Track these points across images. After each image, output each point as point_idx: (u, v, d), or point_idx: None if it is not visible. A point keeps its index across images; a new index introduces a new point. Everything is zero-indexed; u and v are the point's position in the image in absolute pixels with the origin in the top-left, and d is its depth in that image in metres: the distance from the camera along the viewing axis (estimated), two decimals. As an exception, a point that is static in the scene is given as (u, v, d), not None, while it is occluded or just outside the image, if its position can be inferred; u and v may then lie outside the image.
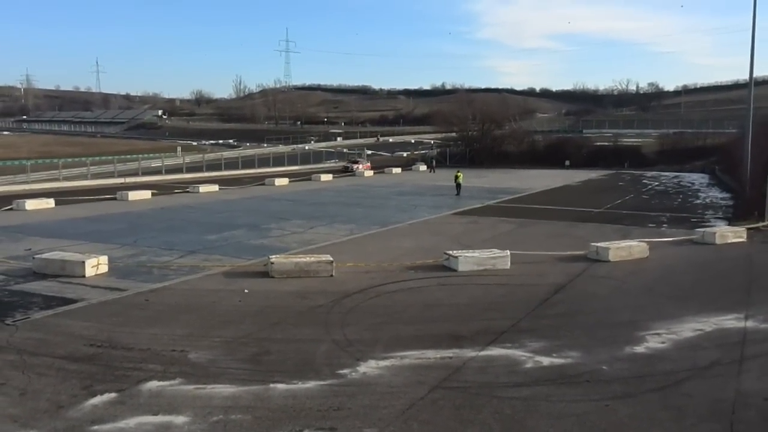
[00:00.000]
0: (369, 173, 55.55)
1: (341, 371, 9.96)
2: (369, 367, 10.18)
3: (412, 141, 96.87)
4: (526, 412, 8.70)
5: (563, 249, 20.17)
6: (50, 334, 11.58)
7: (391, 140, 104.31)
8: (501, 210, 31.08)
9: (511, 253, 18.08)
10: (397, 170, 58.60)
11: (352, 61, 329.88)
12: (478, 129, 68.61)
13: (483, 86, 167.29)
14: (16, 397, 8.79)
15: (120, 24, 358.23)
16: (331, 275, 16.31)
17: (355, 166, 55.90)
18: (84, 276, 15.86)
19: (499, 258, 17.80)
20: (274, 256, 16.97)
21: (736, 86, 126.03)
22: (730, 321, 13.03)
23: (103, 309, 13.33)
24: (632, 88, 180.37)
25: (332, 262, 16.63)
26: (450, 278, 16.55)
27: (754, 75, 31.51)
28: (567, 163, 60.45)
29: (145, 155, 60.72)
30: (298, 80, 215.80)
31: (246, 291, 14.73)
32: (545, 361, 10.60)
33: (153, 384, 9.31)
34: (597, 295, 15.34)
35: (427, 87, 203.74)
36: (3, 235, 22.76)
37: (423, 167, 60.44)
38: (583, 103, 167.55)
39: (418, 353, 10.80)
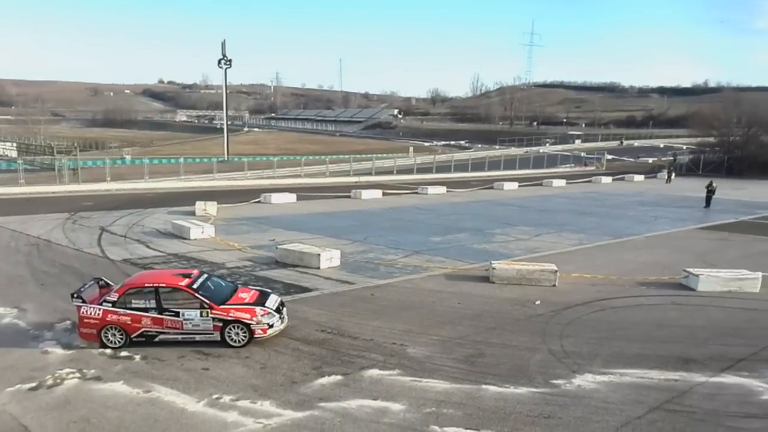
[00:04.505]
0: (606, 179, 52.14)
1: (555, 381, 10.08)
2: (585, 381, 10.17)
3: (661, 146, 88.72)
4: None
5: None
6: (288, 317, 13.02)
7: (636, 144, 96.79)
8: (758, 227, 27.45)
9: (763, 276, 16.22)
10: (639, 177, 54.49)
11: (601, 55, 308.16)
12: (742, 134, 60.66)
13: (755, 84, 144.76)
14: (257, 370, 10.50)
15: (363, 23, 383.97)
16: (554, 285, 16.14)
17: None
18: (319, 267, 17.63)
19: (748, 280, 16.07)
20: (496, 262, 17.19)
21: None
22: None
23: (333, 299, 14.82)
24: None
25: (556, 271, 16.42)
26: (687, 298, 15.40)
27: None
28: None
29: (379, 155, 63.94)
30: (539, 77, 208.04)
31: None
32: (788, 395, 9.65)
33: (374, 372, 10.37)
34: None
35: (686, 84, 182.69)
36: (252, 225, 25.40)
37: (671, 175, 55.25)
38: None
39: (641, 372, 10.52)
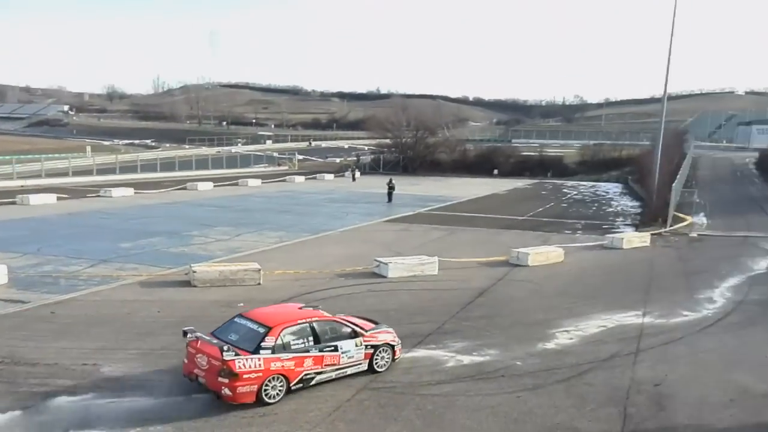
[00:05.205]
0: (300, 178, 54.63)
1: None
2: None
3: (346, 146, 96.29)
4: (446, 407, 9.41)
5: (488, 255, 20.95)
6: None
7: (323, 145, 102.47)
8: (431, 217, 31.57)
9: (439, 260, 18.68)
10: (329, 176, 58.01)
11: (284, 58, 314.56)
12: (411, 136, 69.04)
13: (418, 92, 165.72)
14: None
15: (16, 9, 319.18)
16: (259, 283, 16.22)
17: None
18: (-22, 287, 14.58)
19: (428, 264, 18.34)
20: (196, 265, 16.65)
21: (652, 100, 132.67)
22: (630, 318, 14.30)
23: (2, 323, 12.54)
24: (559, 99, 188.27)
25: (260, 270, 16.54)
26: (380, 285, 16.87)
27: (668, 90, 33.28)
28: (495, 172, 62.14)
29: (49, 155, 55.26)
30: (224, 78, 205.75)
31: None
32: (466, 359, 11.38)
33: (63, 399, 9.01)
34: (516, 297, 16.09)
35: (362, 90, 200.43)
36: None
37: (356, 174, 59.84)
38: (513, 112, 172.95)
39: None
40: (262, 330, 9.53)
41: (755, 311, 15.00)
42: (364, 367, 10.42)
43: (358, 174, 57.89)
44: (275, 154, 76.19)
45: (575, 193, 45.73)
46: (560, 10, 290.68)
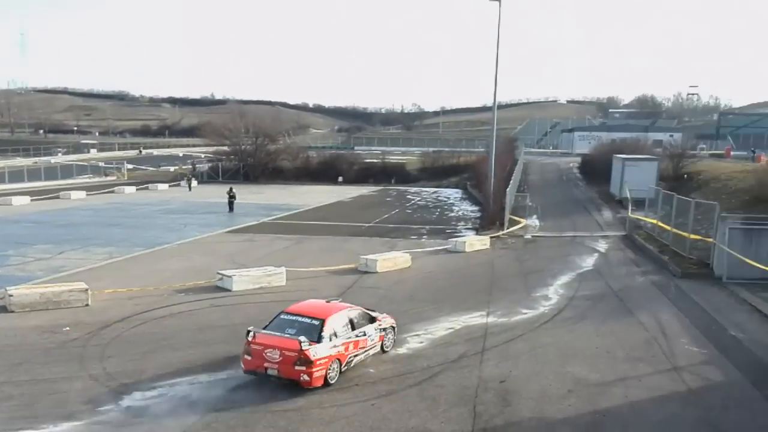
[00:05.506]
0: (130, 189, 50.97)
1: (101, 408, 9.42)
2: (134, 400, 9.79)
3: (181, 154, 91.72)
4: (299, 421, 9.29)
5: (336, 263, 20.88)
6: None
7: (155, 153, 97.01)
8: (276, 227, 30.87)
9: (286, 270, 18.32)
10: (163, 186, 54.70)
11: (107, 62, 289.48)
12: (251, 143, 67.30)
13: (255, 98, 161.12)
14: None
15: None
16: (87, 304, 14.99)
17: None
18: None
19: (275, 275, 17.92)
20: (12, 288, 15.03)
21: (484, 109, 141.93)
22: (476, 318, 15.03)
23: None
24: (398, 107, 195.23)
25: (87, 289, 15.29)
26: (224, 298, 16.22)
27: (498, 100, 35.53)
28: (340, 179, 62.51)
29: None
30: (38, 82, 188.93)
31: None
32: (317, 370, 11.18)
33: None
34: (366, 304, 15.92)
35: (195, 96, 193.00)
36: None
37: (192, 183, 57.05)
38: (354, 119, 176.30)
39: (190, 378, 10.64)
40: (316, 322, 10.83)
41: (585, 306, 16.38)
42: (378, 348, 12.00)
43: (194, 183, 55.36)
44: (101, 164, 70.65)
45: (419, 199, 47.44)
46: (396, 20, 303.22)
